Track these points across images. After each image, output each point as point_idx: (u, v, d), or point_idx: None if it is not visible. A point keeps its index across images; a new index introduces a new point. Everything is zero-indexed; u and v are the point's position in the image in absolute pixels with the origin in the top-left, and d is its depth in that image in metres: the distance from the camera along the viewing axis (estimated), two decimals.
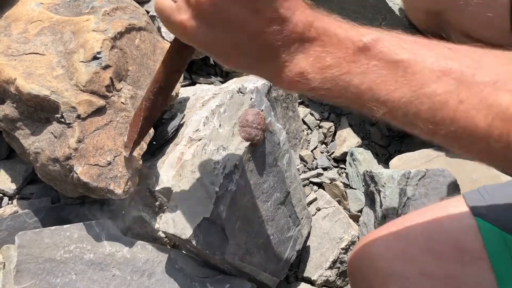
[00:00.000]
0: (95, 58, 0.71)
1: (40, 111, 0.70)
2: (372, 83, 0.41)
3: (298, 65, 0.44)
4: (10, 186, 0.80)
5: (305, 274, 0.93)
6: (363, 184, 1.01)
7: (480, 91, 0.37)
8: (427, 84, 0.39)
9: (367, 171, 0.95)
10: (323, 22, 0.44)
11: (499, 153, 0.37)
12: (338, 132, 1.20)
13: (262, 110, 0.79)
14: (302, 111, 1.23)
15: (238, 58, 0.47)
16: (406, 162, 1.07)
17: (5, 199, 0.80)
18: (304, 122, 1.21)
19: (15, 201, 0.80)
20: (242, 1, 0.43)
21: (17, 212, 0.77)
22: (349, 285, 0.92)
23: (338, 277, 0.92)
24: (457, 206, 0.56)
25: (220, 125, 0.75)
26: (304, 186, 1.06)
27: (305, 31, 0.44)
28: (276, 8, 0.43)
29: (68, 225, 0.70)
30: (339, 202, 1.05)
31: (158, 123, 0.83)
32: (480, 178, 1.02)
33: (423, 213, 0.59)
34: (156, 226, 0.78)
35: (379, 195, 0.89)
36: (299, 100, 1.25)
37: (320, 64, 0.43)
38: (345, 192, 1.07)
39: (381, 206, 0.88)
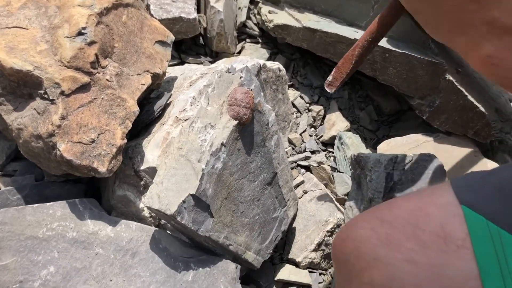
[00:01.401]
0: (80, 33, 0.70)
1: (23, 87, 0.68)
2: None
3: (485, 48, 0.45)
4: None
5: (290, 256, 0.93)
6: (350, 168, 1.01)
7: None
8: None
9: (354, 155, 0.95)
10: None
11: None
12: (328, 116, 1.20)
13: (251, 90, 0.78)
14: (292, 94, 1.22)
15: (435, 28, 0.52)
16: (394, 147, 1.07)
17: None
18: (294, 105, 1.20)
19: None
20: None
21: (0, 189, 0.76)
22: (332, 268, 0.93)
23: (322, 259, 0.93)
24: (444, 193, 0.55)
25: (208, 103, 0.75)
26: (291, 168, 1.06)
27: (503, 18, 0.44)
28: None
29: (51, 203, 0.69)
30: (326, 185, 1.05)
31: (144, 101, 0.82)
32: (466, 164, 1.03)
33: (409, 199, 0.58)
34: (141, 205, 0.78)
35: (366, 179, 0.89)
36: (289, 83, 1.24)
37: None
38: (332, 176, 1.07)
39: (367, 190, 0.88)
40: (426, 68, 1.01)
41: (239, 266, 0.75)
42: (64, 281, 0.64)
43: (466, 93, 1.01)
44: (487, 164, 1.02)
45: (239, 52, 1.28)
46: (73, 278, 0.65)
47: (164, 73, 0.83)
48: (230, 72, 0.82)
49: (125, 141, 0.71)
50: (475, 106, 1.01)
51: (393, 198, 0.68)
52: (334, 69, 0.82)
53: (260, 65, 0.99)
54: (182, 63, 1.16)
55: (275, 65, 1.08)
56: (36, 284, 0.62)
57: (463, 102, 1.01)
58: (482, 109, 1.01)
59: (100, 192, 0.84)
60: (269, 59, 1.26)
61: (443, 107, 1.04)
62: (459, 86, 1.00)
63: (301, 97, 1.23)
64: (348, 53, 0.81)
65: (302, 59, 1.28)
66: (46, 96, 0.67)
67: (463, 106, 1.02)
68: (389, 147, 1.07)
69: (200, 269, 0.72)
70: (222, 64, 0.90)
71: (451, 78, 1.00)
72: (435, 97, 1.04)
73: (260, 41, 1.31)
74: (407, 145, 1.06)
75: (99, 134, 0.68)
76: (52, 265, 0.65)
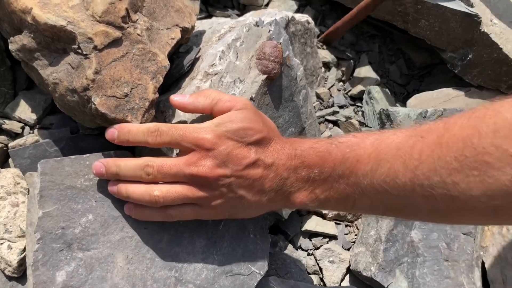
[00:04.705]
0: None
1: (57, 42, 0.70)
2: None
3: (299, 198, 0.61)
4: (30, 116, 0.82)
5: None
6: (379, 122, 1.00)
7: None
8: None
9: (383, 109, 0.95)
10: (301, 147, 0.61)
11: None
12: (357, 70, 1.18)
13: (280, 43, 0.77)
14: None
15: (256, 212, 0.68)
16: (424, 101, 1.06)
17: (27, 128, 0.82)
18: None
19: (36, 131, 0.82)
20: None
21: (38, 141, 0.80)
22: (359, 219, 0.95)
23: (348, 212, 0.94)
24: None
25: (237, 58, 0.75)
26: (319, 123, 1.07)
27: (292, 161, 0.60)
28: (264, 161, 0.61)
29: (87, 155, 0.72)
30: None
31: (173, 56, 0.83)
32: None
33: None
34: (173, 155, 0.80)
35: None
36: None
37: (312, 187, 0.60)
38: (360, 130, 1.07)
39: None
40: (459, 20, 0.98)
41: (267, 216, 0.77)
42: (102, 228, 0.68)
43: (501, 46, 0.98)
44: None
45: (267, 5, 1.26)
46: (110, 226, 0.68)
47: (193, 27, 0.83)
48: (258, 26, 0.82)
49: (157, 95, 0.72)
50: (510, 59, 0.98)
51: None
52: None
53: (288, 18, 0.98)
54: (209, 16, 1.16)
55: (303, 17, 1.06)
56: (77, 231, 0.66)
57: (497, 55, 0.99)
58: None
59: None
60: (297, 11, 1.24)
61: (476, 60, 1.02)
62: (494, 39, 0.97)
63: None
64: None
65: (332, 11, 1.26)
66: (79, 51, 0.68)
67: (497, 60, 0.99)
68: (419, 101, 1.06)
69: None
70: (250, 17, 0.90)
71: (485, 30, 0.97)
72: (468, 50, 1.02)
73: None
74: (438, 99, 1.05)
75: (132, 88, 0.70)
76: (90, 213, 0.68)
